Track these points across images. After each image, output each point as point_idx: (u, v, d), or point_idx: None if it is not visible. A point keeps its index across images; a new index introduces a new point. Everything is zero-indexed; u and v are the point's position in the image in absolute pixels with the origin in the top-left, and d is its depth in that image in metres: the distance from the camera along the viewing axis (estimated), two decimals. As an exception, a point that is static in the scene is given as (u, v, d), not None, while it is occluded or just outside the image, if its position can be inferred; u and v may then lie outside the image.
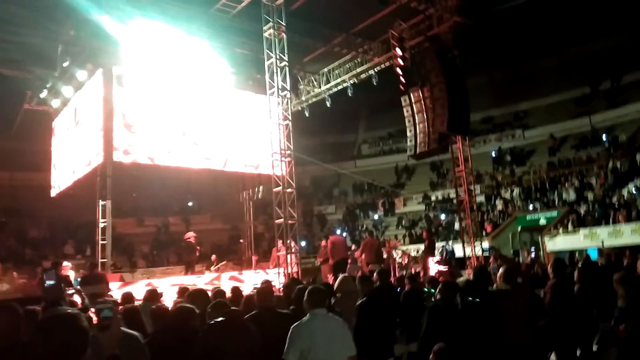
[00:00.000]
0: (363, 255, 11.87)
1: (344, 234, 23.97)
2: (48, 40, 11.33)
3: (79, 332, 1.89)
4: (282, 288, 7.35)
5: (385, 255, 12.75)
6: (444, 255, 15.58)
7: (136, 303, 5.74)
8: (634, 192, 16.46)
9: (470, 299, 4.18)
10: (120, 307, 5.16)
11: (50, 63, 11.94)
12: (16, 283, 11.68)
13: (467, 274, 10.78)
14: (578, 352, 5.20)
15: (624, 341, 4.12)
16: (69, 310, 1.97)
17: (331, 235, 15.11)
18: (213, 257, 13.85)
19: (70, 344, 1.83)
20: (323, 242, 13.48)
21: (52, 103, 13.42)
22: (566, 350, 5.12)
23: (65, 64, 11.76)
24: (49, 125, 14.31)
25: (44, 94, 13.17)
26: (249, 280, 10.75)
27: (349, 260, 11.95)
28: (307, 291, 3.70)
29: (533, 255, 15.45)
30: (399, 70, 13.06)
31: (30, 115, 14.73)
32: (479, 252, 13.47)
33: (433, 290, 4.34)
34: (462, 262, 13.79)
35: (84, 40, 11.13)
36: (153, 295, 5.67)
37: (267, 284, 5.27)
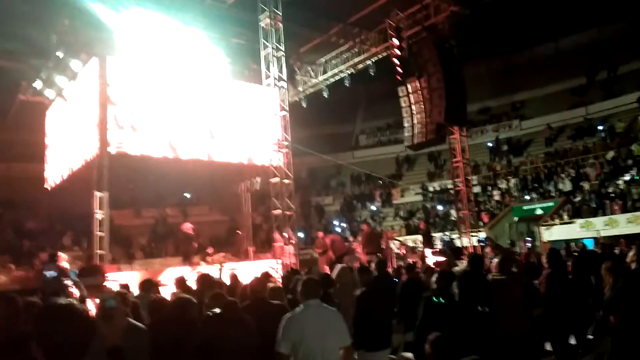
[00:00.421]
0: (361, 246, 11.97)
1: (343, 224, 24.06)
2: (42, 30, 11.21)
3: (85, 324, 1.81)
4: (281, 279, 7.40)
5: (382, 246, 12.83)
6: (443, 245, 15.68)
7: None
8: (628, 181, 16.55)
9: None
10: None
11: (44, 53, 11.82)
12: (13, 275, 11.69)
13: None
14: (573, 341, 5.26)
15: (615, 330, 4.17)
16: (73, 301, 1.91)
17: (330, 234, 15.32)
18: (210, 249, 13.86)
19: (76, 335, 1.76)
20: (320, 234, 13.58)
21: (47, 93, 13.29)
22: (561, 339, 5.18)
23: (59, 54, 11.64)
24: (44, 115, 14.20)
25: (38, 85, 13.05)
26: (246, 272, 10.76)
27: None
28: (300, 282, 3.71)
29: (529, 245, 15.55)
30: (396, 61, 13.03)
31: (25, 105, 14.60)
32: (475, 242, 13.55)
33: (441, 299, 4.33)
34: (459, 252, 13.88)
35: (79, 29, 11.00)
36: (149, 286, 5.59)
37: (262, 276, 5.30)
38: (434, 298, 4.24)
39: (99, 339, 2.41)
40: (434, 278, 4.52)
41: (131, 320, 3.51)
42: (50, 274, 7.52)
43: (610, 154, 18.91)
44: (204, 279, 5.38)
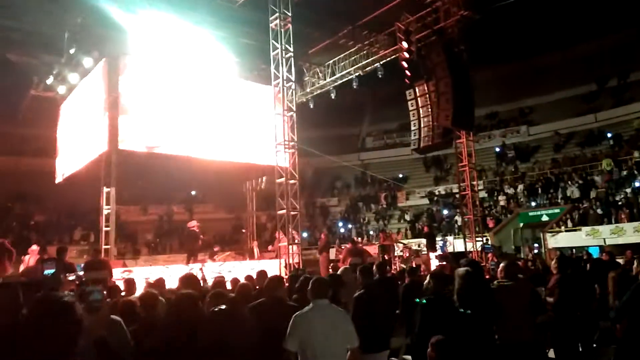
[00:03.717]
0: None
1: (349, 226, 24.08)
2: (55, 27, 11.35)
3: (72, 323, 1.76)
4: (287, 279, 7.42)
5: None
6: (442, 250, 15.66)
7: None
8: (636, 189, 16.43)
9: (462, 310, 4.14)
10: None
11: (56, 49, 11.97)
12: (19, 267, 11.81)
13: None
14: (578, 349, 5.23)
15: (621, 340, 4.16)
16: (64, 297, 1.83)
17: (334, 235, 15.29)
18: (216, 248, 13.97)
19: (62, 334, 1.71)
20: (322, 234, 13.68)
21: (58, 89, 13.47)
22: (568, 347, 5.12)
23: (71, 51, 11.79)
24: (55, 111, 14.37)
25: (50, 80, 13.22)
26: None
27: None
28: (310, 281, 3.77)
29: (536, 251, 15.43)
30: (404, 64, 13.01)
31: (36, 101, 14.81)
32: (479, 247, 13.47)
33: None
34: (462, 257, 13.82)
35: (91, 27, 11.15)
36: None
37: (275, 276, 5.28)
38: (418, 300, 4.22)
39: (85, 331, 2.43)
40: (426, 281, 4.50)
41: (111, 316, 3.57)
42: (48, 271, 7.33)
43: (609, 166, 18.63)
44: (187, 281, 5.22)
